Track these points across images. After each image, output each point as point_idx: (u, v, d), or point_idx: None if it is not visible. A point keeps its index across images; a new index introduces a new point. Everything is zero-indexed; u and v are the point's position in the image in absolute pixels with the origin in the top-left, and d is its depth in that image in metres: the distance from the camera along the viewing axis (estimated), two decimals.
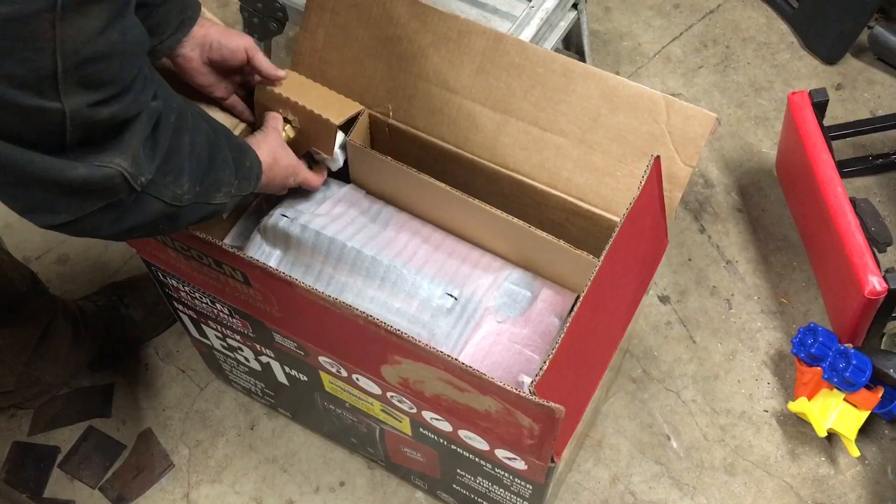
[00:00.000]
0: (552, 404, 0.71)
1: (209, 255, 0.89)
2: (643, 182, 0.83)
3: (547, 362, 0.74)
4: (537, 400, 0.72)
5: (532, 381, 0.74)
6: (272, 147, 0.97)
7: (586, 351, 0.88)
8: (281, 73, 1.02)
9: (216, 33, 0.95)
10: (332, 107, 1.07)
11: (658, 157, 0.86)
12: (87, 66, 0.61)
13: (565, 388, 0.82)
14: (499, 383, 0.73)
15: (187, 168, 0.76)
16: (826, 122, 1.42)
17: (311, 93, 1.08)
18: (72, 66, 0.60)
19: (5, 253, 1.23)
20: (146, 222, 0.75)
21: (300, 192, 1.14)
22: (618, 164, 0.99)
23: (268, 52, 1.59)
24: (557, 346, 0.75)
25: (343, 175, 1.17)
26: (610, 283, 0.86)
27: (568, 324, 0.77)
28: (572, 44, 1.63)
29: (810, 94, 1.41)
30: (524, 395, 0.72)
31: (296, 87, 1.07)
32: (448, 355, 0.76)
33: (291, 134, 1.03)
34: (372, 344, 0.85)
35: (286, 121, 1.03)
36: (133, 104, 0.68)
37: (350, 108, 1.08)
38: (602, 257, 0.80)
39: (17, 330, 1.21)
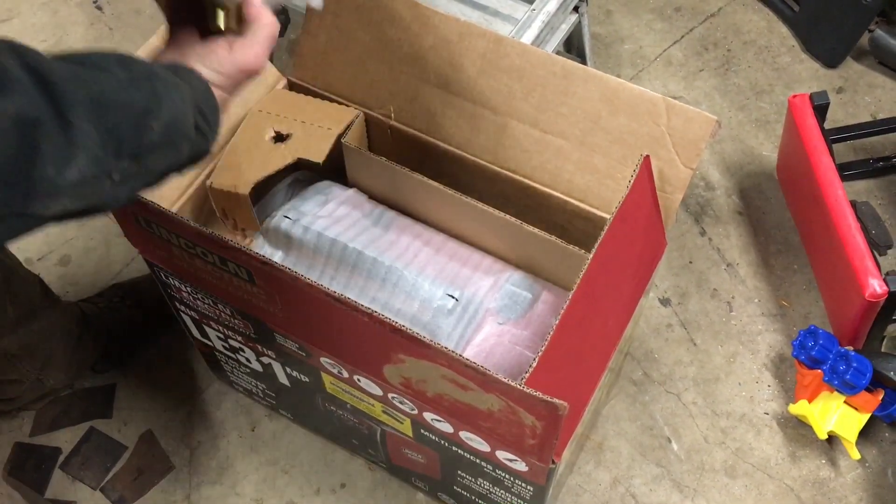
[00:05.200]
0: (556, 400, 0.71)
1: (214, 253, 0.89)
2: (632, 180, 0.83)
3: (537, 358, 0.74)
4: (541, 396, 0.72)
5: (522, 378, 0.74)
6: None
7: (583, 350, 0.89)
8: None
9: None
10: (329, 117, 1.08)
11: (647, 156, 0.86)
12: None
13: (561, 386, 0.82)
14: (503, 378, 0.74)
15: None
16: (827, 126, 1.42)
17: (304, 107, 1.09)
18: None
19: (18, 263, 1.21)
20: None
21: (303, 195, 1.15)
22: (618, 166, 1.00)
23: (270, 56, 1.59)
24: (548, 342, 0.75)
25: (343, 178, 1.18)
26: (603, 280, 0.86)
27: (558, 319, 0.77)
28: (573, 46, 1.63)
29: (811, 97, 1.42)
30: (528, 390, 0.73)
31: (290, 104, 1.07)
32: (452, 350, 0.76)
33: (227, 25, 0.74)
34: (374, 342, 0.85)
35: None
36: None
37: (346, 115, 1.09)
38: (592, 253, 0.80)
39: (33, 339, 1.21)
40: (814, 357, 1.28)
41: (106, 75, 0.59)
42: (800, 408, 1.30)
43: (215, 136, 0.70)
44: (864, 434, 1.31)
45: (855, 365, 1.23)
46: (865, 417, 1.27)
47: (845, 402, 1.27)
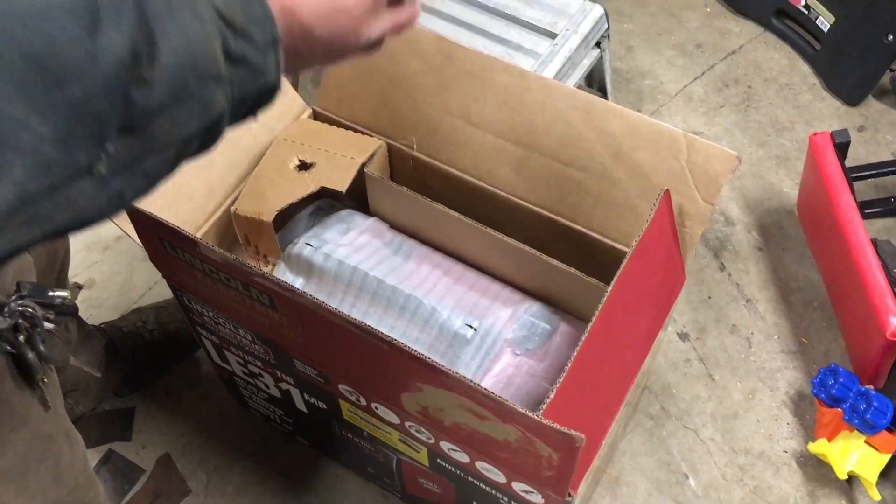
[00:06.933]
0: (573, 432, 0.71)
1: (237, 278, 0.90)
2: (652, 214, 0.84)
3: (555, 390, 0.75)
4: (558, 427, 0.72)
5: (539, 409, 0.74)
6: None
7: (600, 383, 0.89)
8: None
9: None
10: (353, 146, 1.10)
11: (668, 190, 0.87)
12: None
13: (579, 418, 0.82)
14: (521, 409, 0.74)
15: None
16: (848, 164, 1.42)
17: (328, 137, 1.11)
18: None
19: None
20: None
21: (325, 223, 1.16)
22: (638, 200, 1.00)
23: (295, 85, 1.62)
24: (566, 373, 0.76)
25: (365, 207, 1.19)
26: (621, 313, 0.86)
27: (576, 351, 0.77)
28: (595, 81, 1.65)
29: (832, 135, 1.42)
30: (546, 421, 0.73)
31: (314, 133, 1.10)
32: (470, 380, 0.76)
33: None
34: (393, 370, 0.86)
35: None
36: None
37: (370, 145, 1.11)
38: (611, 286, 0.81)
39: (78, 374, 1.22)
40: (834, 395, 1.27)
41: (48, 22, 0.35)
42: (819, 447, 1.29)
43: (272, 58, 0.43)
44: (885, 475, 1.30)
45: (875, 404, 1.22)
46: (886, 458, 1.26)
47: (865, 441, 1.26)
